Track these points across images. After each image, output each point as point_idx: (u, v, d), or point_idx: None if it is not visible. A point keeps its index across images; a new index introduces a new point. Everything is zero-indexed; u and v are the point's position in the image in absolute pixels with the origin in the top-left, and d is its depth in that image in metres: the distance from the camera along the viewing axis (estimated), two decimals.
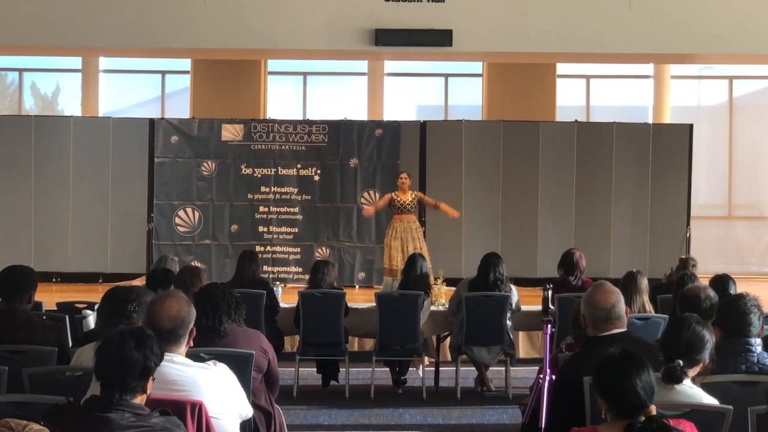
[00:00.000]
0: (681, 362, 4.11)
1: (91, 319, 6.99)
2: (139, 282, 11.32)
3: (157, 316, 4.16)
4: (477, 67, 16.75)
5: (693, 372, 4.26)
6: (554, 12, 13.03)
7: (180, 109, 16.39)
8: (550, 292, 6.34)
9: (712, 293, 5.75)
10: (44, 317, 6.77)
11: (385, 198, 12.50)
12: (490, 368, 9.33)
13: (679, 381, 4.10)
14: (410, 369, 9.51)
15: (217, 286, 5.68)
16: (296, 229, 14.43)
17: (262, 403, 5.41)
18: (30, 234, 14.39)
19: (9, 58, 16.60)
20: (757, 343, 4.81)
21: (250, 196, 14.44)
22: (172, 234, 14.42)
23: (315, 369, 9.35)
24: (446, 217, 12.53)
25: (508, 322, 8.98)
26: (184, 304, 4.24)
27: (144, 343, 3.53)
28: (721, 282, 7.00)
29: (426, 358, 9.27)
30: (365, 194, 14.39)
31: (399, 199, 12.25)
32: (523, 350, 10.57)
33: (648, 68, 16.83)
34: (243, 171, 14.41)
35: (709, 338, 4.34)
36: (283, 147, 14.42)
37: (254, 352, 5.23)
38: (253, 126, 14.51)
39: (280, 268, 14.30)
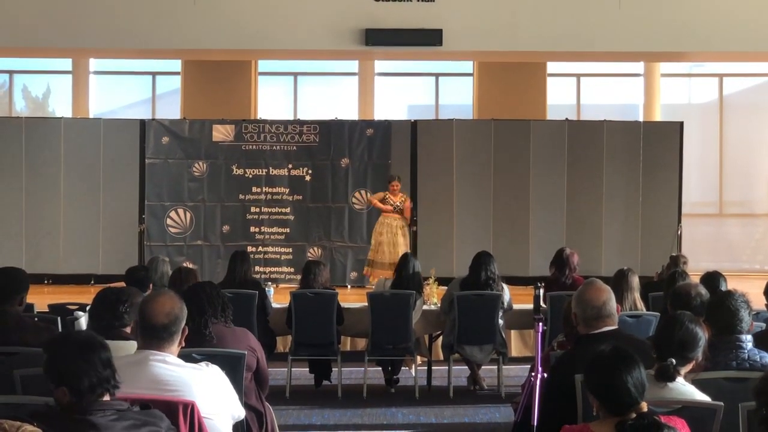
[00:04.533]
0: (674, 360, 4.11)
1: (83, 321, 6.98)
2: None
3: (152, 313, 4.13)
4: (467, 66, 16.76)
5: (686, 370, 4.27)
6: (544, 11, 13.04)
7: (171, 110, 16.36)
8: (541, 291, 6.36)
9: (702, 290, 5.75)
10: (36, 319, 6.76)
11: (378, 195, 13.13)
12: (483, 367, 9.33)
13: (672, 379, 4.10)
14: (403, 368, 9.52)
15: (202, 286, 5.61)
16: (288, 230, 14.42)
17: (253, 402, 5.39)
18: (21, 236, 14.35)
19: None
20: (747, 340, 4.81)
21: (241, 196, 14.42)
22: (163, 235, 14.40)
23: (307, 369, 9.34)
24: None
25: (500, 321, 9.00)
26: (177, 302, 4.23)
27: (91, 348, 3.46)
28: (711, 279, 7.00)
29: (418, 358, 9.28)
30: (356, 194, 14.38)
31: (390, 199, 12.92)
32: (516, 349, 10.57)
33: (638, 66, 16.85)
34: (234, 171, 14.40)
35: (702, 336, 4.34)
36: (274, 147, 14.41)
37: (246, 353, 5.22)
38: (244, 126, 14.50)
39: (272, 269, 14.29)
